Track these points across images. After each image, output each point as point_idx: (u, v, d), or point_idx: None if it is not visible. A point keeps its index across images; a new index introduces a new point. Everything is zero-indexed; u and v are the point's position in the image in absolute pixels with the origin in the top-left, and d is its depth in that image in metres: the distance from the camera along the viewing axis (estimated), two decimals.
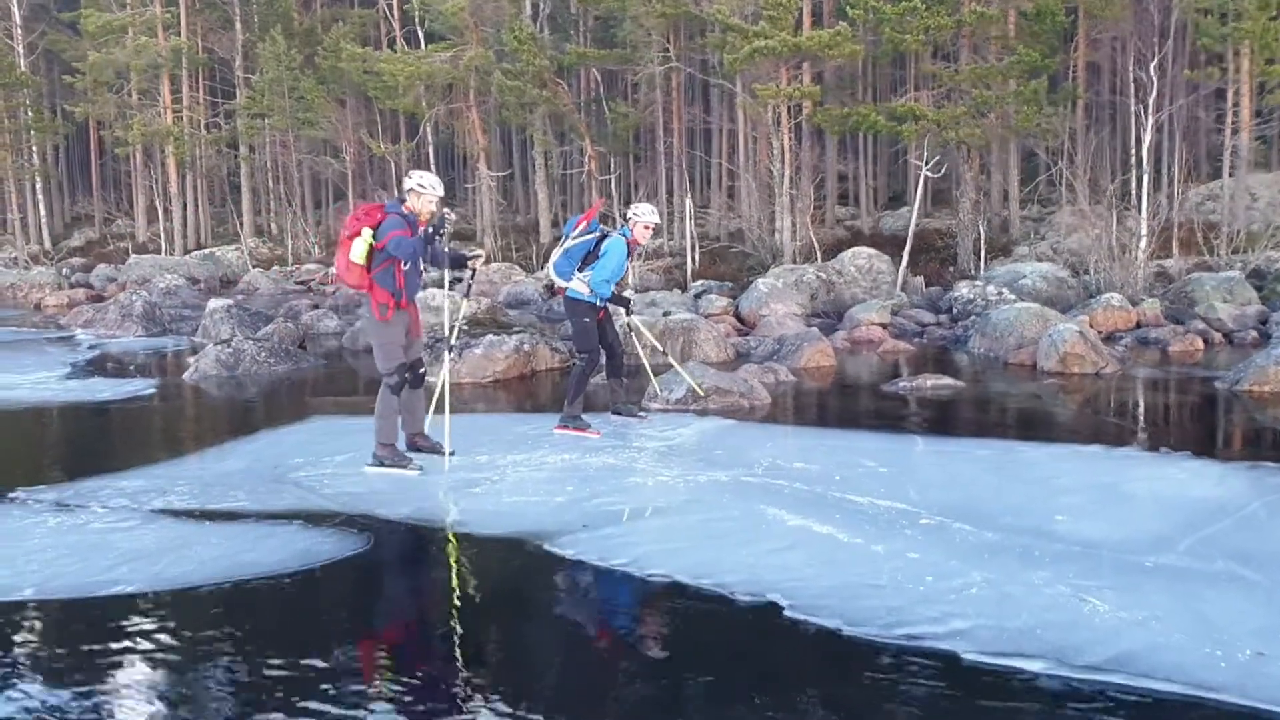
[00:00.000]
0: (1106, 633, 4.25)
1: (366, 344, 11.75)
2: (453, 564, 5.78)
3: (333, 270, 29.69)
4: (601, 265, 8.49)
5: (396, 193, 30.35)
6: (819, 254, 22.92)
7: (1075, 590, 4.71)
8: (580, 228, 8.73)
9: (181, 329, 19.41)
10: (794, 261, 22.43)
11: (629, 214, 8.86)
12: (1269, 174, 25.85)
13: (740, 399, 10.22)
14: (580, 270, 8.62)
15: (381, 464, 7.30)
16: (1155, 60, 20.79)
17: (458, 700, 3.96)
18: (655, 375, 10.43)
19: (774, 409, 10.25)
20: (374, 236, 6.96)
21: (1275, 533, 5.54)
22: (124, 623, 4.76)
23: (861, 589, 4.83)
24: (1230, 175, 23.45)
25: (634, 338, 10.67)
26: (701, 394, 10.09)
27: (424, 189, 7.05)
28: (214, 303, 18.80)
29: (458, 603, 5.17)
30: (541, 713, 3.76)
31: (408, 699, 3.98)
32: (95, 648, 4.50)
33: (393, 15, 35.32)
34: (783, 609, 4.63)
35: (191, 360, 13.87)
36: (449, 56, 29.84)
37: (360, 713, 3.80)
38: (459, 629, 4.81)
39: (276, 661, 4.30)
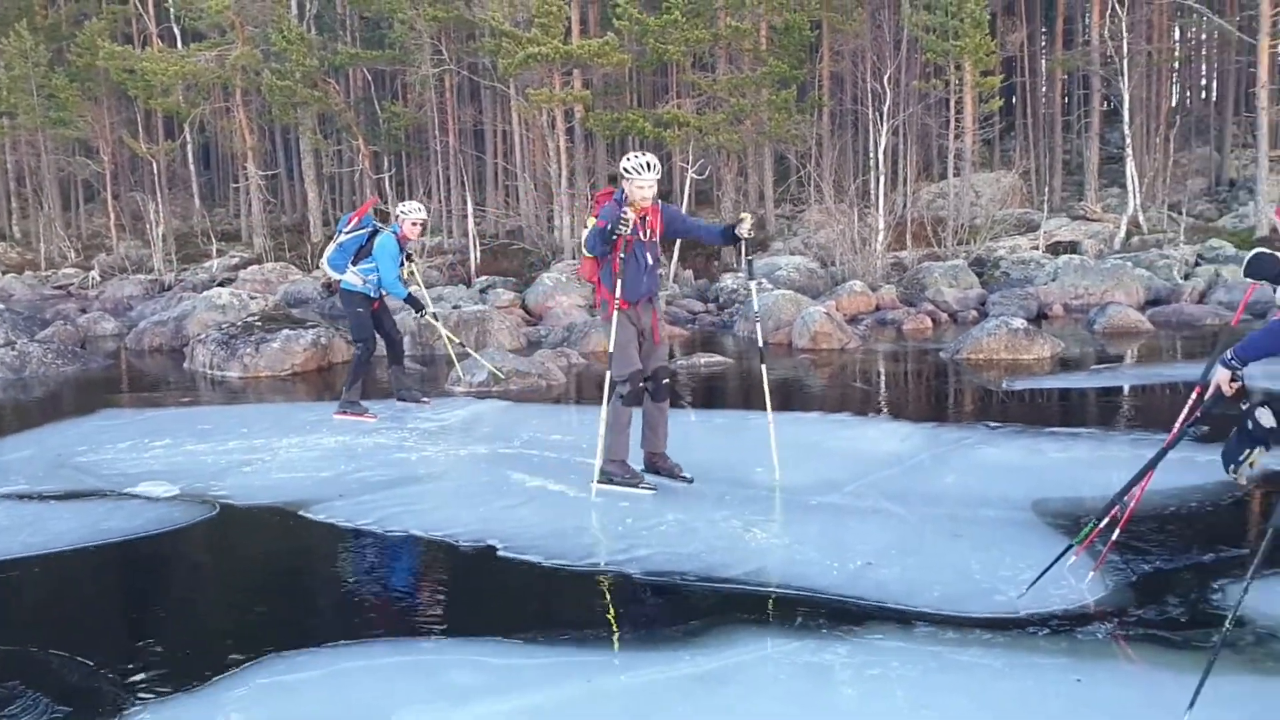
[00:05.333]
0: (755, 553, 5.20)
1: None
2: (211, 532, 6.20)
3: (94, 274, 28.47)
4: (383, 267, 9.03)
5: (156, 193, 29.48)
6: None
7: (745, 524, 5.70)
8: (353, 223, 9.28)
9: None
10: (574, 257, 23.40)
11: (397, 212, 9.42)
12: (990, 173, 28.87)
13: (538, 379, 11.09)
14: (354, 264, 9.15)
15: (611, 480, 6.37)
16: (888, 73, 23.02)
17: (221, 634, 4.64)
18: (459, 361, 11.09)
19: (568, 388, 11.21)
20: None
21: (931, 477, 6.71)
22: (13, 582, 5.36)
23: (570, 531, 5.70)
24: (956, 175, 26.10)
25: (440, 328, 11.36)
26: (502, 376, 10.83)
27: (629, 174, 6.10)
28: None
29: (208, 561, 5.82)
30: (279, 638, 4.36)
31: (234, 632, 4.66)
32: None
33: (147, 12, 33.96)
34: (497, 550, 5.45)
35: None
36: (214, 55, 29.12)
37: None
38: (212, 581, 5.48)
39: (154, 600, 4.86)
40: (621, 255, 6.15)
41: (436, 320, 10.84)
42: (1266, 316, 4.55)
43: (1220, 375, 3.85)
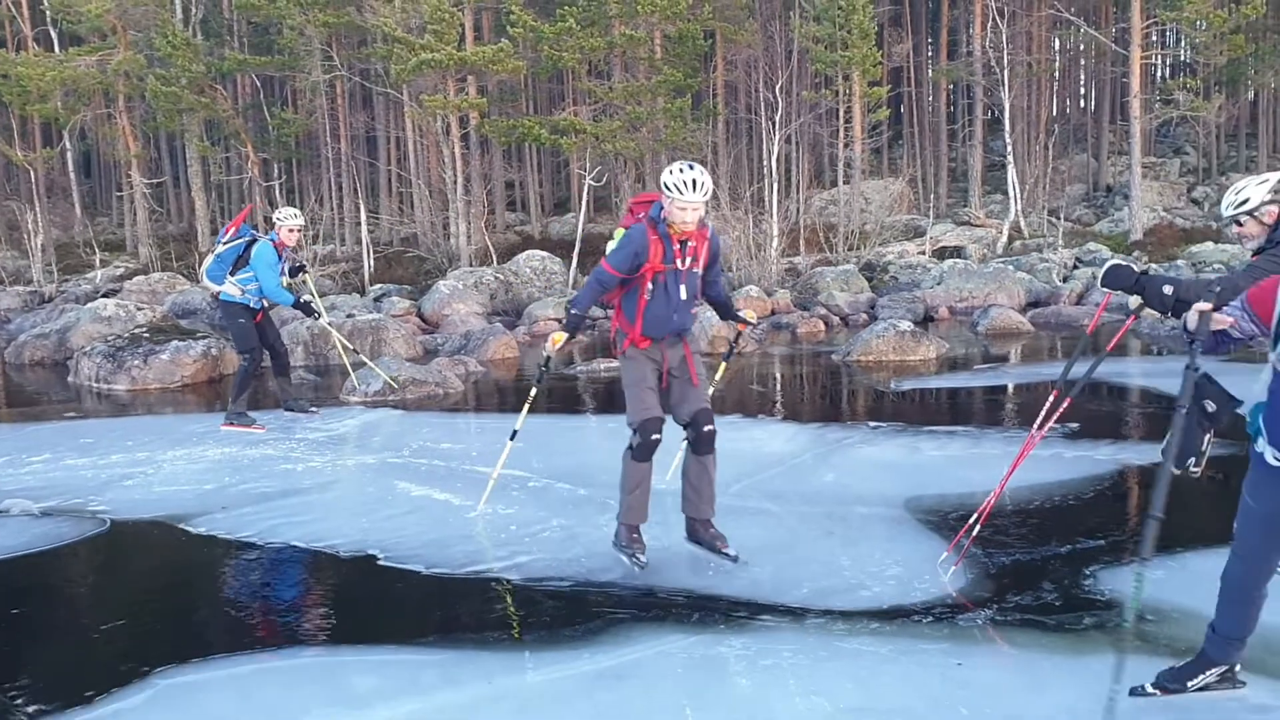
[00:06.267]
0: None
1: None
2: (94, 547, 6.03)
3: None
4: (262, 275, 8.86)
5: (34, 202, 28.36)
6: (494, 257, 23.91)
7: None
8: (230, 233, 9.12)
9: None
10: (470, 264, 23.29)
11: (274, 218, 9.28)
12: (879, 181, 29.65)
13: (435, 388, 11.02)
14: (233, 274, 8.98)
15: (618, 545, 5.23)
16: (780, 83, 23.49)
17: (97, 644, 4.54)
18: (354, 370, 10.96)
19: (465, 396, 11.16)
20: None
21: (812, 477, 6.90)
22: None
23: (453, 540, 5.72)
24: (846, 183, 26.73)
25: (334, 334, 11.23)
26: (396, 385, 10.76)
27: (669, 192, 4.78)
28: None
29: (94, 577, 5.68)
30: (173, 652, 4.32)
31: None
32: None
33: (22, 14, 32.69)
34: (378, 559, 5.46)
35: None
36: (95, 60, 28.17)
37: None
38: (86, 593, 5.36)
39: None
40: (650, 285, 4.96)
41: (330, 327, 10.68)
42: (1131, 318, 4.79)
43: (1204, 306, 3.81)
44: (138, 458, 7.99)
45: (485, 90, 27.36)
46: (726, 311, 5.56)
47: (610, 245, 5.13)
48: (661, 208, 4.90)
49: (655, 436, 5.00)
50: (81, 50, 29.27)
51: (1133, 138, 25.56)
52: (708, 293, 5.33)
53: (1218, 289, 4.18)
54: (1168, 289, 4.35)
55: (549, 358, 5.45)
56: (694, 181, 4.74)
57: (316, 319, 9.81)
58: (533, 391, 6.05)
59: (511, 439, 6.15)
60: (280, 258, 8.95)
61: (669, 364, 5.12)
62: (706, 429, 5.07)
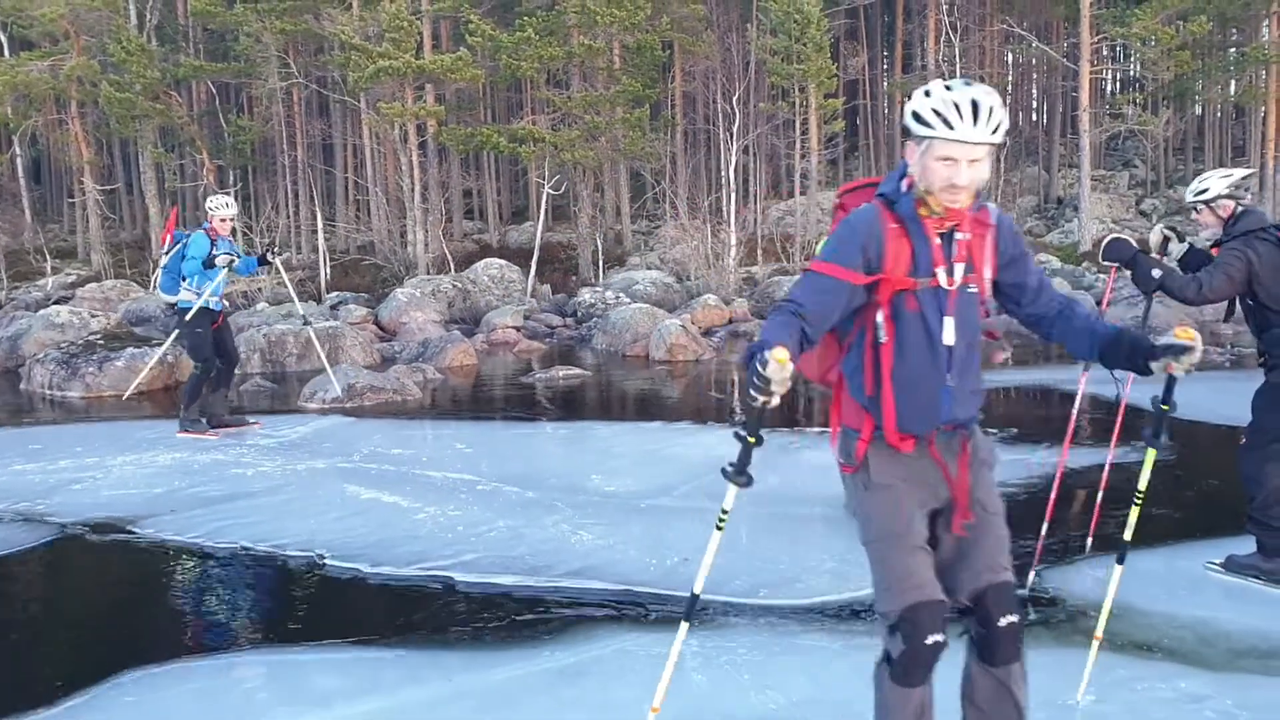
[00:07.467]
0: (580, 554, 5.41)
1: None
2: (42, 550, 6.00)
3: None
4: (188, 259, 8.79)
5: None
6: (452, 265, 23.86)
7: (574, 527, 5.89)
8: (166, 242, 9.06)
9: None
10: (428, 272, 23.23)
11: (206, 208, 9.19)
12: (835, 192, 29.94)
13: (394, 395, 11.00)
14: (184, 279, 8.89)
15: None
16: (737, 94, 23.69)
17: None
18: (331, 370, 10.97)
19: (423, 403, 11.14)
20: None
21: (757, 478, 6.72)
22: None
23: (400, 540, 5.77)
24: (803, 193, 26.96)
25: (312, 337, 11.19)
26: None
27: (925, 126, 2.55)
28: None
29: (39, 585, 5.62)
30: (131, 657, 4.30)
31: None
32: None
33: None
34: (325, 559, 5.50)
35: None
36: (47, 65, 27.78)
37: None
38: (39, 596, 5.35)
39: None
40: (892, 320, 2.65)
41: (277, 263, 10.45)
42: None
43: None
44: (86, 463, 7.94)
45: (443, 98, 27.31)
46: (1136, 352, 2.75)
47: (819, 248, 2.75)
48: (902, 175, 2.65)
49: (934, 639, 2.67)
50: (33, 55, 28.86)
51: (1082, 151, 26.02)
52: (1027, 311, 2.82)
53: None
54: (1156, 272, 4.59)
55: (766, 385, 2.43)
56: (974, 105, 2.51)
57: (273, 260, 9.75)
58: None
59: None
60: (213, 244, 8.84)
61: (932, 485, 2.72)
62: (1004, 622, 2.70)
